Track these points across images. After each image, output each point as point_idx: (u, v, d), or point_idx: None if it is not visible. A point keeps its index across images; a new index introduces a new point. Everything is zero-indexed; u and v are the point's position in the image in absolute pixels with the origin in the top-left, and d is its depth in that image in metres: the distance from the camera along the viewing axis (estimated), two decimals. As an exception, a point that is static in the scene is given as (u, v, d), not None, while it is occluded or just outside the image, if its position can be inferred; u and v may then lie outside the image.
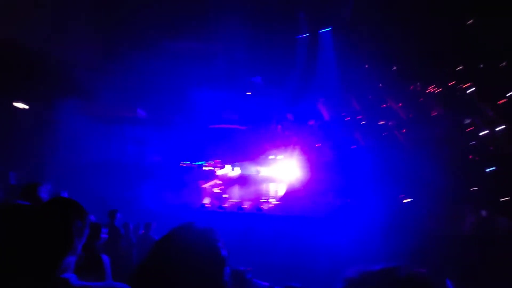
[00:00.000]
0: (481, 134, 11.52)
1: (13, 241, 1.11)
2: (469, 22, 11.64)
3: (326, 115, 14.82)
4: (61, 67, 10.88)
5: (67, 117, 10.80)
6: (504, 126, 10.98)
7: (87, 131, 11.46)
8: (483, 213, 8.39)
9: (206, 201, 11.22)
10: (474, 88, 12.30)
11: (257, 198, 11.44)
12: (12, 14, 9.27)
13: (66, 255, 1.18)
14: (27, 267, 1.10)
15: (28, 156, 10.04)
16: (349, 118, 14.48)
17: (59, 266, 1.15)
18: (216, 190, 12.43)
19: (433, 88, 13.52)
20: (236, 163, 14.63)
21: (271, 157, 14.64)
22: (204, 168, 14.34)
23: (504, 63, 11.39)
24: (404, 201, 9.78)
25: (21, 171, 9.26)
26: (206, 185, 12.54)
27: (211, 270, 0.92)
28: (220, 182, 12.73)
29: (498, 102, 11.62)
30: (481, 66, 12.07)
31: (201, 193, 12.27)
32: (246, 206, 10.29)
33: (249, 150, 14.42)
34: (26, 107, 10.88)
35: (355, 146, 13.22)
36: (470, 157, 10.99)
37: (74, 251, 1.22)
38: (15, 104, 10.59)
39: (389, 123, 13.63)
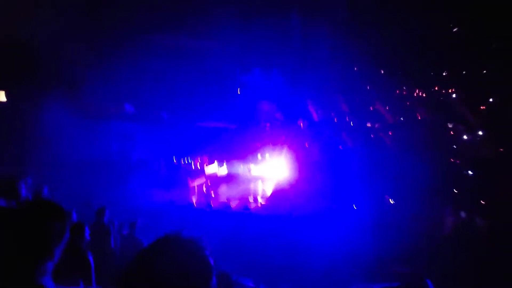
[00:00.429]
0: (463, 138, 11.96)
1: None
2: (455, 29, 12.03)
3: (315, 115, 14.98)
4: (45, 60, 10.51)
5: (50, 111, 10.45)
6: (482, 132, 11.44)
7: (72, 127, 11.13)
8: (462, 214, 8.71)
9: (194, 199, 11.13)
10: (455, 95, 12.75)
11: (244, 197, 11.45)
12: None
13: (44, 260, 1.13)
14: (3, 272, 1.07)
15: (8, 152, 9.68)
16: (336, 119, 14.70)
17: (36, 271, 1.11)
18: (204, 188, 12.36)
19: (419, 92, 13.91)
20: (224, 161, 14.58)
21: (259, 156, 14.66)
22: (192, 166, 14.21)
23: (484, 71, 11.85)
24: (390, 201, 10.04)
25: (1, 167, 8.92)
26: (194, 183, 12.45)
27: (199, 284, 0.88)
28: (208, 180, 12.67)
29: (480, 108, 12.10)
30: (464, 72, 12.52)
31: (189, 191, 12.17)
32: (233, 205, 10.28)
33: (237, 149, 14.39)
34: (4, 99, 10.46)
35: (342, 147, 13.43)
36: (452, 160, 11.38)
37: (52, 256, 1.16)
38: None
39: (376, 125, 13.92)
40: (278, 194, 11.92)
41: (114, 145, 12.58)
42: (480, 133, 11.55)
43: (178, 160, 15.00)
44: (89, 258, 2.35)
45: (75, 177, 9.64)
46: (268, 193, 12.15)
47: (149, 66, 12.55)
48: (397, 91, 14.16)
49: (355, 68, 13.96)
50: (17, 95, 10.70)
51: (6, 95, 10.46)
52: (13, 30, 9.41)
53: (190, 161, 14.64)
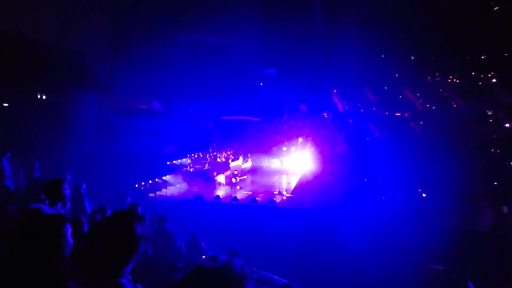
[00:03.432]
0: (504, 126, 11.08)
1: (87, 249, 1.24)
2: (495, 9, 11.04)
3: (340, 106, 14.57)
4: (77, 59, 11.06)
5: (84, 108, 11.01)
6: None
7: (105, 123, 11.69)
8: (504, 209, 8.12)
9: (220, 193, 11.35)
10: (496, 79, 11.77)
11: (269, 191, 11.48)
12: (27, 9, 9.41)
13: (130, 262, 1.27)
14: (92, 274, 1.20)
15: (46, 147, 10.34)
16: (363, 109, 14.20)
17: (122, 273, 1.25)
18: (229, 181, 12.55)
19: (453, 78, 13.02)
20: (249, 154, 14.67)
21: (284, 149, 14.58)
22: (217, 159, 14.45)
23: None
24: (423, 195, 9.59)
25: (40, 161, 9.57)
26: (220, 177, 12.67)
27: None
28: (233, 174, 12.83)
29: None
30: (506, 55, 11.50)
31: (215, 184, 12.42)
32: (259, 199, 10.35)
33: (262, 142, 14.39)
34: (44, 97, 11.13)
35: (369, 139, 12.99)
36: (492, 150, 10.61)
37: (134, 258, 1.29)
38: (37, 96, 10.86)
39: (406, 115, 13.29)
40: (304, 187, 11.82)
41: (143, 141, 13.08)
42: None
43: (204, 154, 15.32)
44: None
45: (107, 171, 10.12)
46: (293, 186, 12.09)
47: (175, 63, 12.81)
48: (429, 78, 13.36)
49: (382, 56, 13.32)
50: (55, 94, 11.35)
51: (45, 94, 11.11)
52: (50, 35, 9.95)
53: (216, 155, 14.89)
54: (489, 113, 11.51)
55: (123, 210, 1.43)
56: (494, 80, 11.94)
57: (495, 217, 7.59)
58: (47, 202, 2.62)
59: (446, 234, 6.68)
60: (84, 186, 5.73)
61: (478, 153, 10.11)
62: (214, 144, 15.29)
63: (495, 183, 9.60)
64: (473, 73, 12.44)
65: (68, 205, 2.82)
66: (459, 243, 6.31)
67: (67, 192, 2.70)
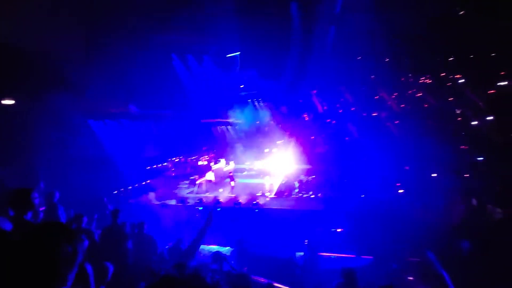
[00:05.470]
0: (471, 124, 11.73)
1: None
2: (461, 13, 11.70)
3: (319, 107, 14.86)
4: (48, 62, 10.59)
5: (56, 112, 10.56)
6: (491, 117, 11.19)
7: (79, 127, 11.26)
8: (473, 201, 8.58)
9: (202, 195, 11.21)
10: (464, 80, 12.46)
11: (252, 193, 11.49)
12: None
13: (56, 286, 1.06)
14: None
15: (17, 154, 9.82)
16: (342, 110, 14.56)
17: None
18: (212, 184, 12.43)
19: (425, 79, 13.65)
20: (231, 157, 14.61)
21: (266, 150, 14.65)
22: (199, 162, 14.28)
23: (493, 54, 11.53)
24: (399, 191, 9.95)
25: (10, 169, 9.07)
26: (201, 180, 12.51)
27: None
28: (215, 176, 12.72)
29: (488, 92, 11.82)
30: (471, 56, 12.20)
31: (197, 187, 12.26)
32: (242, 201, 10.32)
33: (244, 144, 14.39)
34: (12, 102, 10.58)
35: (348, 138, 13.33)
36: (461, 147, 11.20)
37: (65, 282, 1.08)
38: (3, 101, 10.29)
39: (382, 115, 13.76)
40: (286, 188, 11.93)
41: (121, 145, 12.72)
42: (490, 118, 11.32)
43: (185, 158, 15.09)
44: (86, 268, 2.22)
45: (84, 177, 9.77)
46: (276, 187, 12.17)
47: (152, 65, 12.56)
48: (402, 79, 13.93)
49: (358, 58, 13.74)
50: (25, 99, 10.81)
51: (13, 98, 10.56)
52: (17, 34, 9.47)
53: (197, 158, 14.71)
54: (457, 112, 12.16)
55: (49, 223, 1.17)
56: (461, 81, 12.64)
57: (466, 209, 8.02)
58: (11, 213, 2.48)
59: (422, 228, 6.97)
60: (57, 195, 5.47)
61: (449, 150, 10.64)
62: (196, 147, 15.11)
63: (465, 177, 10.13)
64: (443, 74, 13.10)
65: (41, 215, 2.69)
66: (435, 236, 6.59)
67: (37, 201, 2.57)
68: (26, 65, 9.89)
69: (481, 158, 10.68)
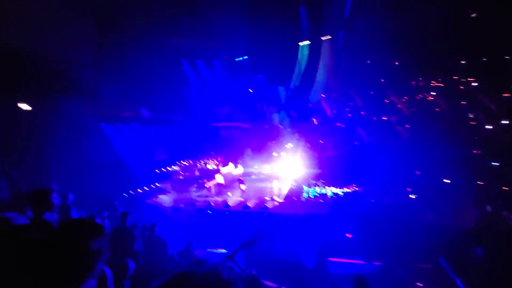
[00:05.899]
0: (485, 128, 11.49)
1: (30, 267, 1.12)
2: (473, 15, 11.53)
3: (328, 111, 14.80)
4: (61, 67, 10.90)
5: (69, 116, 10.82)
6: (505, 121, 10.94)
7: (92, 131, 11.51)
8: (488, 208, 8.38)
9: (211, 200, 11.26)
10: (476, 83, 12.23)
11: (261, 196, 11.49)
12: (11, 18, 9.26)
13: (87, 278, 1.16)
14: None
15: (32, 157, 10.09)
16: (351, 114, 14.46)
17: None
18: (220, 188, 12.48)
19: (436, 82, 13.45)
20: (239, 161, 14.65)
21: (274, 154, 14.64)
22: (208, 166, 14.37)
23: (507, 57, 11.30)
24: (411, 196, 9.80)
25: (25, 170, 9.31)
26: (210, 184, 12.58)
27: None
28: (224, 180, 12.77)
29: (502, 95, 11.56)
30: (484, 59, 11.98)
31: (206, 191, 12.33)
32: (250, 205, 10.32)
33: (252, 148, 14.42)
34: (29, 108, 10.92)
35: (357, 143, 13.22)
36: (474, 151, 10.96)
37: (93, 273, 1.18)
38: (19, 105, 10.61)
39: (392, 119, 13.59)
40: (295, 192, 11.88)
41: (131, 148, 12.93)
42: (505, 122, 11.06)
43: (194, 161, 15.22)
44: (106, 271, 2.30)
45: (95, 179, 9.95)
46: (285, 191, 12.13)
47: (162, 70, 12.78)
48: (413, 82, 13.75)
49: (368, 61, 13.66)
50: (40, 103, 11.12)
51: (28, 102, 10.87)
52: (33, 42, 9.79)
53: (206, 162, 14.81)
54: (470, 116, 11.92)
55: (80, 220, 1.30)
56: (474, 84, 12.42)
57: (480, 215, 7.84)
58: (28, 212, 2.56)
59: (433, 234, 6.84)
60: (71, 196, 5.61)
61: (462, 155, 10.44)
62: (205, 151, 15.23)
63: (480, 183, 9.90)
64: (455, 77, 12.89)
65: (55, 216, 2.77)
66: (447, 242, 6.47)
67: (56, 201, 2.66)
68: (40, 70, 10.20)
69: (496, 163, 10.43)
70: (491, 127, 11.35)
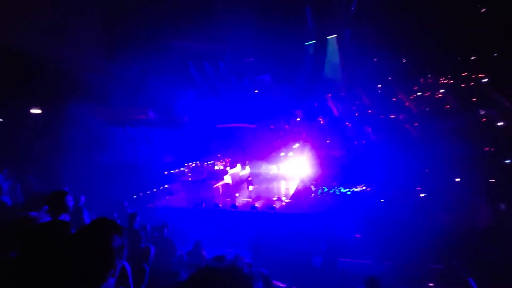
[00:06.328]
0: (496, 125, 11.25)
1: (54, 263, 1.18)
2: (483, 10, 11.30)
3: (335, 110, 14.71)
4: (70, 71, 11.10)
5: (79, 120, 11.01)
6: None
7: (101, 134, 11.68)
8: (501, 206, 8.19)
9: (219, 200, 11.32)
10: (487, 79, 11.97)
11: (268, 197, 11.49)
12: (18, 23, 9.46)
13: (109, 275, 1.21)
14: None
15: (45, 161, 10.29)
16: (358, 113, 14.34)
17: (103, 286, 1.18)
18: (228, 189, 12.53)
19: (445, 80, 13.23)
20: (247, 161, 14.69)
21: (281, 154, 14.64)
22: (215, 167, 14.45)
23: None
24: (420, 195, 9.65)
25: (36, 176, 9.51)
26: (218, 185, 12.64)
27: None
28: (232, 181, 12.82)
29: (514, 92, 11.29)
30: (495, 55, 11.73)
31: (213, 192, 12.39)
32: (258, 205, 10.34)
33: (259, 149, 14.44)
34: (39, 111, 11.14)
35: (364, 142, 13.10)
36: (486, 149, 10.74)
37: (115, 271, 1.23)
38: (32, 110, 10.86)
39: (400, 117, 13.43)
40: (302, 192, 11.85)
41: (140, 151, 13.08)
42: (516, 118, 10.82)
43: (202, 162, 15.32)
44: (126, 266, 2.38)
45: (106, 181, 10.09)
46: (292, 191, 12.11)
47: (169, 72, 12.89)
48: (421, 80, 13.57)
49: (374, 59, 13.52)
50: (49, 107, 11.35)
51: (40, 107, 11.10)
52: (40, 46, 9.99)
53: (213, 163, 14.89)
54: (482, 112, 11.69)
55: (100, 219, 1.34)
56: (485, 80, 12.16)
57: (493, 214, 7.66)
58: (43, 215, 2.62)
59: (444, 233, 6.73)
60: (82, 199, 5.72)
61: (473, 152, 10.24)
62: (212, 152, 15.31)
63: (493, 181, 9.69)
64: (464, 74, 12.66)
65: (68, 218, 2.83)
66: (458, 241, 6.35)
67: (71, 203, 2.72)
68: (52, 76, 10.41)
69: (509, 161, 10.20)
70: (502, 123, 11.10)
